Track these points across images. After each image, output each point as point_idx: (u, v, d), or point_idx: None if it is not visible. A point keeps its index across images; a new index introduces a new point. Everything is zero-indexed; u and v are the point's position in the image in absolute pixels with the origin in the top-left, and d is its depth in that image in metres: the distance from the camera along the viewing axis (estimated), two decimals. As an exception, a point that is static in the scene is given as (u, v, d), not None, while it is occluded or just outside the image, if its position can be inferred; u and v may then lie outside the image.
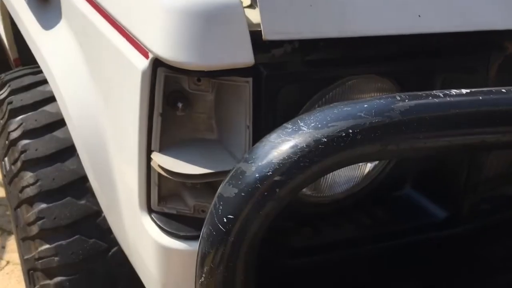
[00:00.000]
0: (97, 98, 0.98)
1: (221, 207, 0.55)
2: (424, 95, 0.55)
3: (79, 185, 1.14)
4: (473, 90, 0.57)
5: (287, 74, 0.79)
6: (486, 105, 0.54)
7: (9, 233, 2.31)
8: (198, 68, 0.74)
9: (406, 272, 1.02)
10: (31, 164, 1.16)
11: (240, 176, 0.55)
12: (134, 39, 0.81)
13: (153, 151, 0.82)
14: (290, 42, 0.77)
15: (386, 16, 0.78)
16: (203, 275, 0.57)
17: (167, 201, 0.87)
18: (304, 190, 0.96)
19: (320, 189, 0.96)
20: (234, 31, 0.74)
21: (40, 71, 1.43)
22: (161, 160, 0.81)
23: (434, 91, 0.57)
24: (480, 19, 0.83)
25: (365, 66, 0.84)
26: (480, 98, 0.57)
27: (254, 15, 0.77)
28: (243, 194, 0.53)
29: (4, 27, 1.65)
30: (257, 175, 0.53)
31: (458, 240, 1.03)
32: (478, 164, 0.97)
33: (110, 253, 1.11)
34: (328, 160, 0.52)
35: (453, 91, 0.56)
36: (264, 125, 0.79)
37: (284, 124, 0.56)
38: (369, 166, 0.99)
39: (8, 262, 2.17)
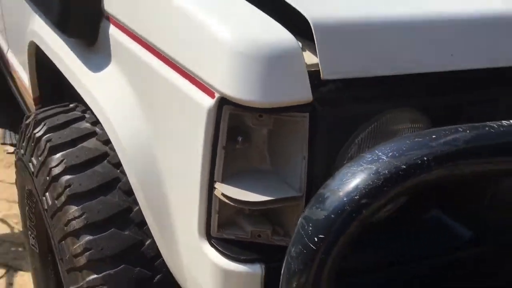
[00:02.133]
0: (152, 134, 1.05)
1: (311, 228, 0.63)
2: (481, 126, 0.65)
3: (123, 217, 1.20)
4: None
5: (338, 109, 0.88)
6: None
7: (15, 269, 2.32)
8: (263, 105, 0.83)
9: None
10: (76, 198, 1.21)
11: (325, 200, 0.63)
12: (199, 80, 0.89)
13: (215, 181, 0.90)
14: (341, 81, 0.86)
15: (426, 55, 0.89)
16: (292, 291, 0.64)
17: (225, 227, 0.94)
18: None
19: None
20: (294, 72, 0.83)
21: (70, 110, 1.49)
22: (225, 189, 0.88)
23: (486, 123, 0.66)
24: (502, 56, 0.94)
25: (404, 100, 0.93)
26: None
27: (306, 57, 0.87)
28: (333, 215, 0.61)
29: (29, 67, 1.72)
30: (345, 199, 0.61)
31: (483, 259, 1.11)
32: (501, 189, 1.06)
33: (154, 280, 1.16)
34: (408, 184, 0.60)
35: (505, 122, 0.65)
36: (318, 155, 0.88)
37: (362, 154, 0.65)
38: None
39: (16, 299, 2.18)
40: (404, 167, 0.60)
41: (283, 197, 0.88)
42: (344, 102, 0.88)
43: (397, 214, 1.10)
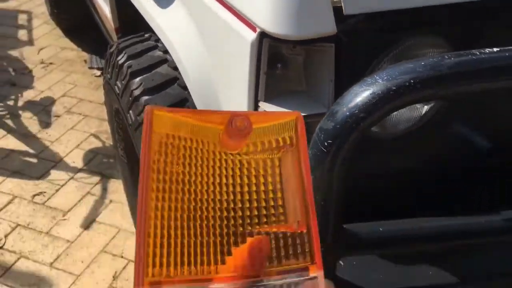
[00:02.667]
0: (209, 61, 1.26)
1: (322, 135, 0.83)
2: (464, 53, 0.79)
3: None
4: (501, 48, 0.79)
5: (360, 39, 1.03)
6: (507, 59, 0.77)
7: (108, 177, 2.69)
8: (295, 38, 1.00)
9: (453, 194, 1.27)
10: (153, 115, 1.46)
11: (335, 114, 0.82)
12: (244, 17, 1.07)
13: (259, 100, 1.10)
14: (363, 14, 1.01)
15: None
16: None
17: (269, 138, 1.15)
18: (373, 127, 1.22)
19: (386, 127, 1.22)
20: (320, 9, 0.99)
21: (146, 39, 1.72)
22: (267, 107, 1.09)
23: (472, 51, 0.80)
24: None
25: (422, 29, 1.06)
26: (507, 54, 0.79)
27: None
28: (338, 126, 0.80)
29: (109, 2, 1.96)
30: (347, 113, 0.80)
31: (497, 169, 1.26)
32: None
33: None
34: (397, 102, 0.77)
35: (487, 50, 0.79)
36: (343, 78, 1.05)
37: (365, 78, 0.82)
38: (425, 108, 1.23)
39: (111, 201, 2.55)
40: (394, 88, 0.77)
41: (314, 113, 1.07)
42: (366, 33, 1.03)
43: (424, 128, 1.26)
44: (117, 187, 2.61)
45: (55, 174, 2.69)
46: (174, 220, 0.43)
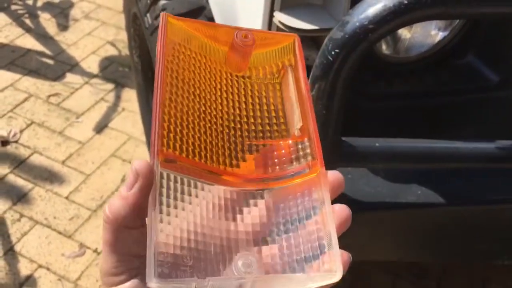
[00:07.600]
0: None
1: (330, 45, 0.85)
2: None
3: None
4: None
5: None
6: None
7: (123, 85, 2.73)
8: None
9: (460, 123, 1.30)
10: (170, 20, 1.48)
11: (345, 25, 0.83)
12: None
13: (275, 10, 1.11)
14: None
15: None
16: (314, 90, 0.89)
17: (281, 50, 1.18)
18: (384, 50, 1.23)
19: (398, 51, 1.23)
20: None
21: None
22: (281, 17, 1.10)
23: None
24: None
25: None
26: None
27: None
28: (346, 36, 0.82)
29: None
30: (357, 24, 0.81)
31: (506, 101, 1.28)
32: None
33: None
34: (407, 16, 0.79)
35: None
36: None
37: (379, -9, 0.83)
38: (439, 35, 1.23)
39: (123, 109, 2.61)
40: (406, 2, 0.78)
41: (327, 27, 1.08)
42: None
43: (436, 58, 1.27)
44: (130, 96, 2.66)
45: (70, 77, 2.74)
46: (187, 114, 0.44)
